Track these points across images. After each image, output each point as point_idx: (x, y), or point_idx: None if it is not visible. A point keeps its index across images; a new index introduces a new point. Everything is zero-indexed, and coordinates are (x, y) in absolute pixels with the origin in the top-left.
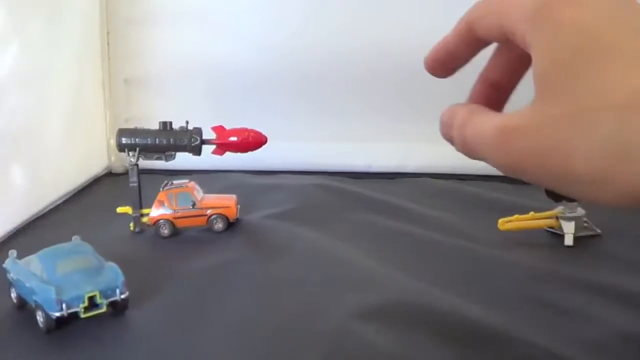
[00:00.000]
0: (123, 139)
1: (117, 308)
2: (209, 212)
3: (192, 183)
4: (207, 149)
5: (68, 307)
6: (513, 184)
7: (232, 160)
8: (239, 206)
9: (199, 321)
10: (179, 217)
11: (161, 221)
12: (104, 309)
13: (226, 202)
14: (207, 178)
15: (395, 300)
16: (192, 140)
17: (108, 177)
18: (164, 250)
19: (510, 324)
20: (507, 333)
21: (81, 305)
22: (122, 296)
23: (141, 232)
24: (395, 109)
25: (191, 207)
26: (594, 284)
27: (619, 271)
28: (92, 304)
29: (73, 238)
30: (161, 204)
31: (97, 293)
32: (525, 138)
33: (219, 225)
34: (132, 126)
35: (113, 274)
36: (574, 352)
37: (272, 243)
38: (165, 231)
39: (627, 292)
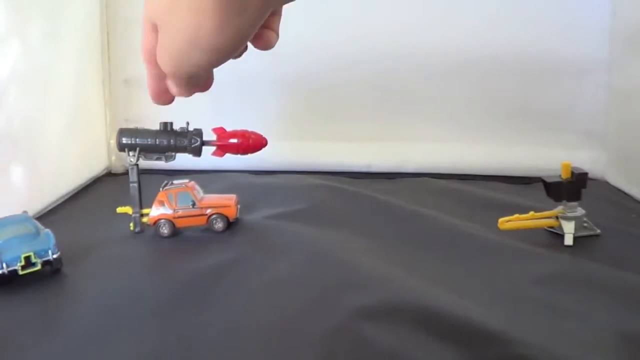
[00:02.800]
0: (123, 139)
1: (53, 267)
2: (208, 211)
3: (192, 183)
4: (207, 150)
5: (8, 266)
6: (513, 184)
7: (232, 160)
8: (239, 206)
9: (199, 321)
10: (178, 217)
11: (161, 221)
12: (38, 267)
13: (226, 201)
14: (207, 178)
15: (395, 300)
16: (193, 141)
17: (108, 177)
18: (164, 250)
19: (510, 324)
20: (507, 333)
21: (19, 264)
22: (54, 256)
23: (141, 232)
24: (395, 109)
25: (191, 206)
26: (594, 283)
27: (619, 271)
28: (29, 263)
29: (22, 211)
30: (161, 203)
31: (31, 254)
32: None
33: (219, 225)
34: (131, 126)
35: (47, 238)
36: (574, 352)
37: (272, 243)
38: (165, 231)
39: (626, 292)
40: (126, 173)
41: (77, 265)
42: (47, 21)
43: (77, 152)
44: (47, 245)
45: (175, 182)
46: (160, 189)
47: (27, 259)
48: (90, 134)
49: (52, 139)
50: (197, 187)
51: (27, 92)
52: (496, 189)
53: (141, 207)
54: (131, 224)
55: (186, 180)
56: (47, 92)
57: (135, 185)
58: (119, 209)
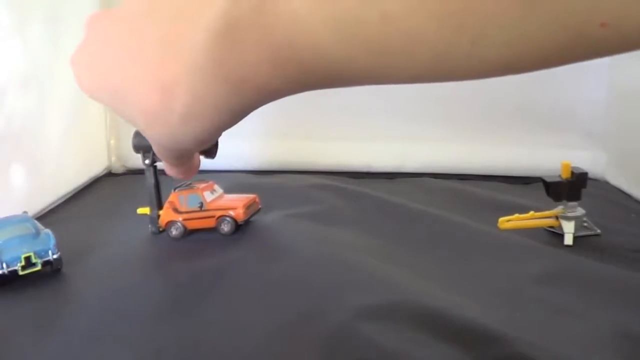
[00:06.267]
0: (137, 140)
1: (53, 267)
2: (216, 214)
3: (206, 185)
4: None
5: (8, 266)
6: (513, 184)
7: (233, 160)
8: (260, 207)
9: (199, 321)
10: (188, 219)
11: (172, 223)
12: (39, 267)
13: (234, 203)
14: (208, 178)
15: (395, 300)
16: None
17: (108, 177)
18: (165, 250)
19: (510, 323)
20: (507, 333)
21: (19, 264)
22: (54, 256)
23: (160, 232)
24: (395, 109)
25: (199, 208)
26: (594, 283)
27: (619, 271)
28: (29, 263)
29: (22, 212)
30: (172, 205)
31: (32, 254)
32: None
33: (225, 228)
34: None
35: (47, 238)
36: (574, 352)
37: (272, 243)
38: (175, 232)
39: (626, 292)
40: (126, 173)
41: (77, 265)
42: (47, 21)
43: (77, 152)
44: (47, 246)
45: (194, 182)
46: (173, 190)
47: (27, 259)
48: (90, 134)
49: (52, 139)
50: (214, 188)
51: (27, 92)
52: (496, 189)
53: (160, 208)
54: (150, 225)
55: (206, 181)
56: (47, 92)
57: (151, 186)
58: (139, 210)
